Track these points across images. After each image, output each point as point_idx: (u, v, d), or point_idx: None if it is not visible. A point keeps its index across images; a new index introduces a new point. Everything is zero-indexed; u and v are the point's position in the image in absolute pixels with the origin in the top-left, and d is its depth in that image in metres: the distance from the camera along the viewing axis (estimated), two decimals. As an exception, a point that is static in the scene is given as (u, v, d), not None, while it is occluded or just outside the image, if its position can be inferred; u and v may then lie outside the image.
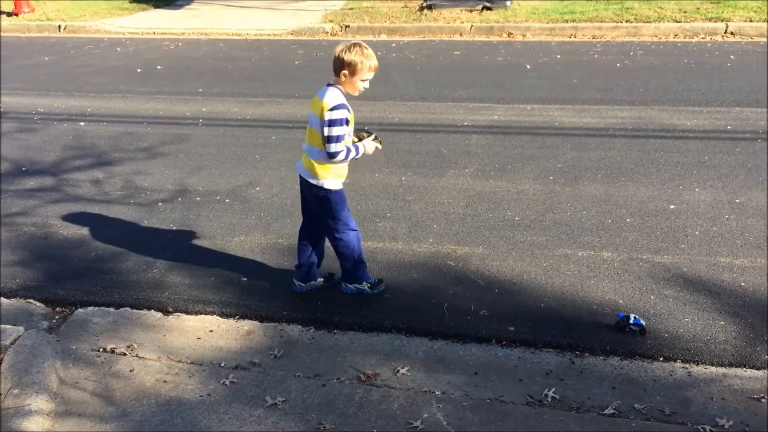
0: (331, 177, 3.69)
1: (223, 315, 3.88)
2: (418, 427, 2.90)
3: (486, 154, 6.13)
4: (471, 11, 12.24)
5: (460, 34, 11.50)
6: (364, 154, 3.71)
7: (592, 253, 4.36)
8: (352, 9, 13.22)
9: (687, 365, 3.31)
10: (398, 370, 3.32)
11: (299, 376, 3.29)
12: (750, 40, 10.13)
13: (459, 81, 8.60)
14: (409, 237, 4.66)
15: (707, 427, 2.85)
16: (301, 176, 3.76)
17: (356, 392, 3.14)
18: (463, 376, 3.29)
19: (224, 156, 6.33)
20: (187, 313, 3.91)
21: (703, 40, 10.28)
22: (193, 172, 5.96)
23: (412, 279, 4.16)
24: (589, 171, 5.61)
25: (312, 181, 3.70)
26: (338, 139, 3.53)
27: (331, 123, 3.50)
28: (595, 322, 3.66)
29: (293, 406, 3.06)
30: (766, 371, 3.23)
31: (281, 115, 7.51)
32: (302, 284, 4.07)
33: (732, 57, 9.09)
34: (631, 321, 3.57)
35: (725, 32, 10.45)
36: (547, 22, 11.32)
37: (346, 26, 12.06)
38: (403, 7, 12.92)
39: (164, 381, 3.26)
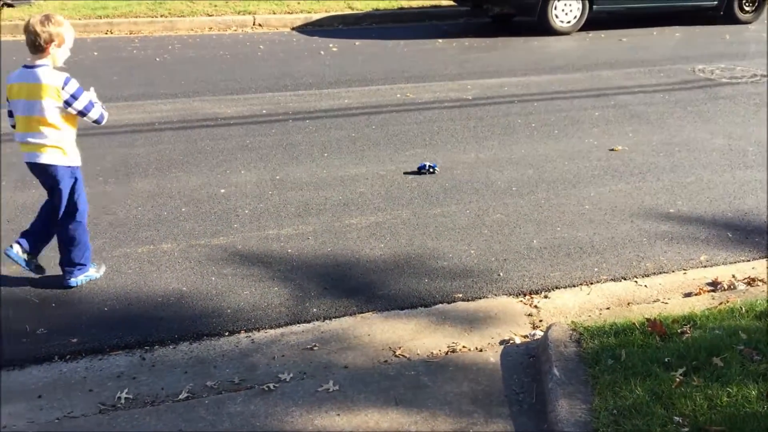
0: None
1: None
2: (-26, 473, 2.60)
3: (23, 163, 5.63)
4: (-11, 8, 11.03)
5: (-20, 34, 10.29)
6: None
7: (152, 247, 4.37)
8: None
9: (250, 333, 3.57)
10: (-57, 419, 2.92)
11: None
12: (276, 30, 11.12)
13: (-16, 85, 7.71)
14: (-61, 267, 4.07)
15: (272, 385, 3.12)
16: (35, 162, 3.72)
17: None
18: (25, 403, 3.04)
19: None
20: None
21: (236, 32, 10.96)
22: None
23: (-50, 313, 3.66)
24: (140, 167, 5.59)
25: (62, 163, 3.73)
26: (92, 104, 3.71)
27: (75, 96, 3.60)
28: (161, 314, 3.70)
29: None
30: (315, 323, 3.66)
31: None
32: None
33: (261, 47, 9.88)
34: (428, 166, 5.36)
35: (254, 24, 11.29)
36: (80, 19, 10.80)
37: None
38: None
39: None
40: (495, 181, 5.33)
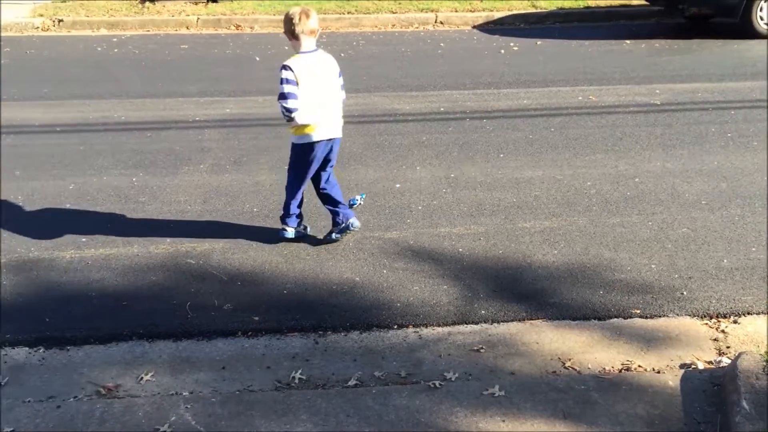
0: None
1: (-70, 349, 3.44)
2: (165, 431, 2.83)
3: (220, 148, 6.09)
4: (196, 4, 11.98)
5: (187, 27, 11.22)
6: None
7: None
8: (65, 1, 12.23)
9: (418, 329, 3.61)
10: (142, 378, 3.21)
11: (29, 401, 3.03)
12: (456, 28, 11.16)
13: (188, 75, 8.42)
14: (144, 239, 4.49)
15: (437, 382, 3.13)
16: (332, 138, 4.20)
17: (96, 408, 2.97)
18: (210, 373, 3.27)
19: None
20: None
21: (417, 29, 11.12)
22: None
23: (151, 282, 4.03)
24: (322, 158, 5.83)
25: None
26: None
27: (340, 73, 4.23)
28: (334, 301, 3.84)
29: (24, 434, 2.83)
30: (482, 325, 3.63)
31: (-12, 120, 6.77)
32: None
33: (442, 45, 9.96)
34: (359, 198, 4.51)
35: (435, 22, 11.40)
36: (274, 14, 11.46)
37: (60, 20, 11.14)
38: (123, 0, 12.25)
39: None
40: (682, 193, 5.00)
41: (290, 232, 4.43)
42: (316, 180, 4.32)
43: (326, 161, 4.27)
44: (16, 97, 7.50)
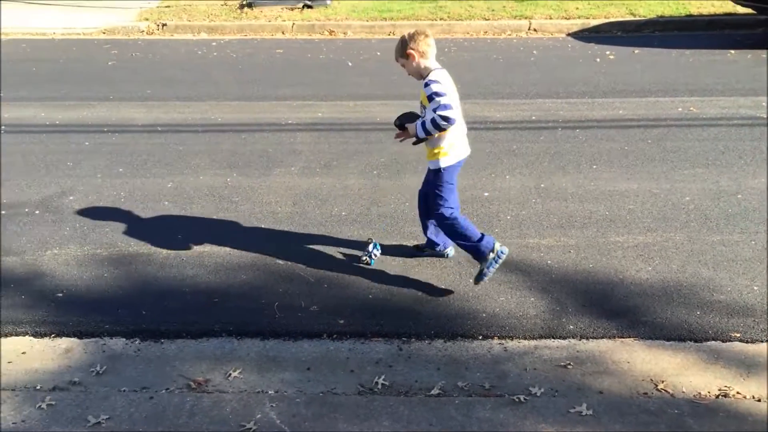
0: None
1: (36, 334, 3.64)
2: (251, 428, 2.89)
3: (311, 151, 6.19)
4: (292, 9, 12.25)
5: (282, 33, 11.48)
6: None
7: (414, 242, 4.53)
8: (169, 6, 12.75)
9: (503, 341, 3.55)
10: (230, 374, 3.29)
11: (125, 390, 3.16)
12: (551, 36, 10.95)
13: (282, 79, 8.60)
14: (236, 238, 4.61)
15: (522, 397, 3.08)
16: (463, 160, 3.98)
17: (186, 401, 3.07)
18: (296, 373, 3.32)
19: (31, 165, 5.91)
20: (-4, 336, 3.62)
21: (510, 36, 10.99)
22: (-4, 184, 5.52)
23: (242, 281, 4.13)
24: (411, 164, 5.84)
25: None
26: None
27: None
28: (419, 308, 3.83)
29: (119, 422, 2.94)
30: (570, 340, 3.54)
31: (95, 119, 7.11)
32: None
33: (535, 52, 9.80)
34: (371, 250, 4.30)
35: (529, 29, 11.23)
36: (367, 20, 11.58)
37: (164, 24, 11.62)
38: (222, 5, 12.65)
39: (-29, 412, 3.01)
40: (789, 212, 4.74)
41: (502, 247, 3.89)
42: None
43: None
44: (122, 97, 7.87)
